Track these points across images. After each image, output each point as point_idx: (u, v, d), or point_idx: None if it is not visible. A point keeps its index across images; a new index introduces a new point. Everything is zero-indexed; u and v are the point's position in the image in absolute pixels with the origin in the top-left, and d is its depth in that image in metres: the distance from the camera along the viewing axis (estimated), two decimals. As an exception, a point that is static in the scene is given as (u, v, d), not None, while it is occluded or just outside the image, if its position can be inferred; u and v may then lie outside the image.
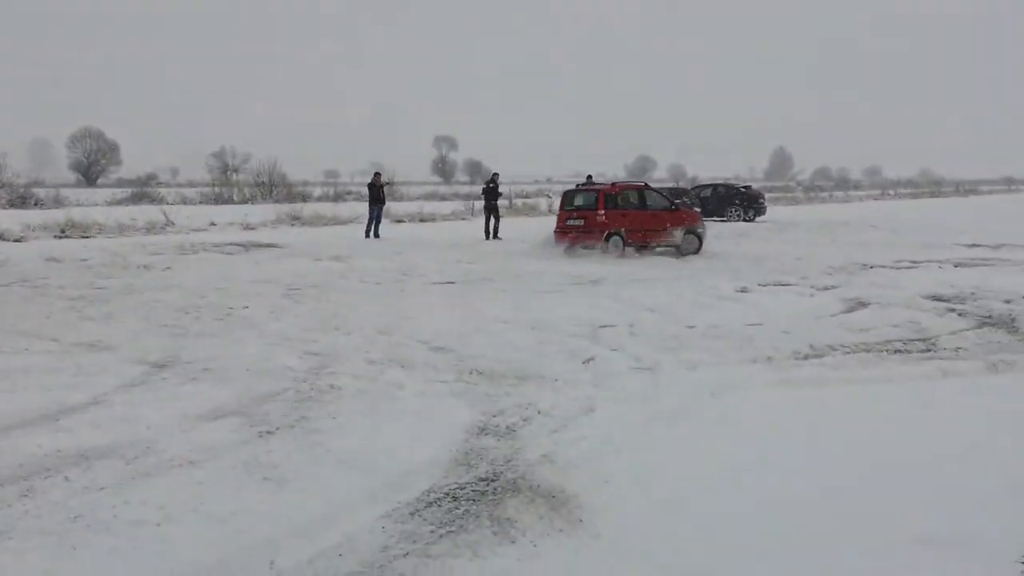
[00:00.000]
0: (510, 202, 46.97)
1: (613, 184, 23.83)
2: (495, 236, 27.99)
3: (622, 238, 21.47)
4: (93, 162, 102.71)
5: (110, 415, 7.04)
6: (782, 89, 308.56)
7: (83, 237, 26.39)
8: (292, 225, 32.71)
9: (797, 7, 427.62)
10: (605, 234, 21.34)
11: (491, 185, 29.06)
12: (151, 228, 29.07)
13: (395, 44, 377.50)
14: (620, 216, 21.87)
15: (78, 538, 4.74)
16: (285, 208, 36.51)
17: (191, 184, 79.76)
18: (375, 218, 27.74)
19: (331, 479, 5.66)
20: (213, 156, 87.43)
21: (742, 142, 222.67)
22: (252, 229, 30.31)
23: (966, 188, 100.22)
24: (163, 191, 57.29)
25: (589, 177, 31.73)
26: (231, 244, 24.12)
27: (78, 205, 37.13)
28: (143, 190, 54.30)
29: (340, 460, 6.03)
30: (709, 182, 47.74)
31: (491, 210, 28.52)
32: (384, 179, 29.63)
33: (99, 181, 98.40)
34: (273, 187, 54.44)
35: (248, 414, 7.17)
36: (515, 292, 14.54)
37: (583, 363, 9.15)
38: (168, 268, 17.94)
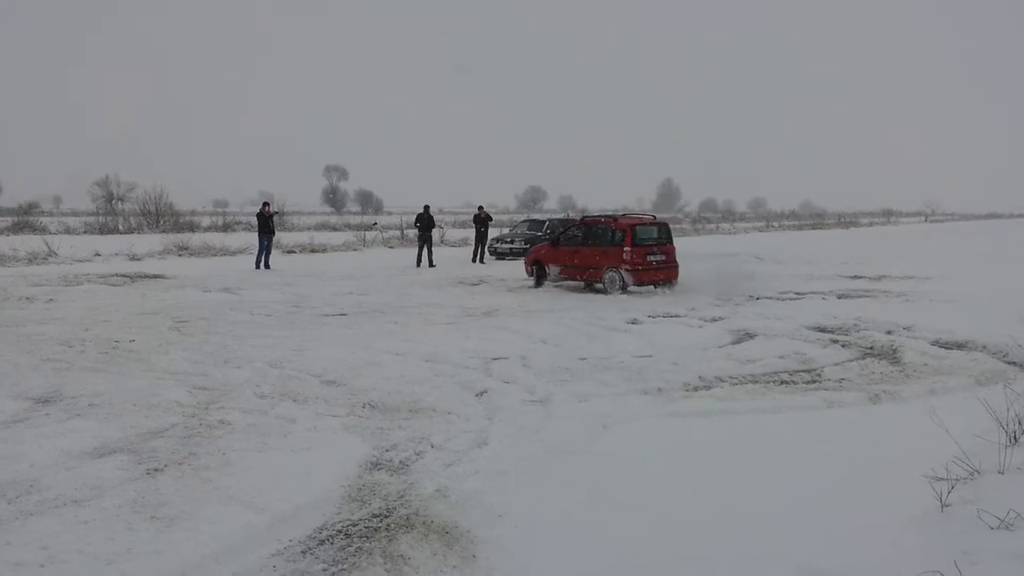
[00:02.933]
0: (402, 233, 46.93)
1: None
2: (430, 264, 29.08)
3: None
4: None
5: (-10, 453, 6.84)
6: (671, 121, 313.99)
7: (-40, 268, 25.52)
8: (180, 256, 32.12)
9: (680, 43, 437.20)
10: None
11: (424, 215, 30.12)
12: (33, 259, 28.28)
13: (285, 73, 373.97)
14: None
15: (-44, 582, 4.61)
16: (173, 238, 35.81)
17: (75, 213, 77.70)
18: (265, 249, 27.48)
19: (221, 517, 5.58)
20: (97, 185, 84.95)
21: (631, 173, 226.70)
22: (138, 260, 29.66)
23: (847, 220, 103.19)
24: (45, 220, 55.84)
25: (480, 208, 32.19)
26: (117, 275, 23.56)
27: (-45, 234, 35.94)
28: (24, 219, 52.76)
29: (230, 497, 5.95)
30: (599, 213, 48.25)
31: (425, 240, 29.57)
32: (273, 209, 29.34)
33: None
34: (160, 217, 53.39)
35: (135, 451, 7.04)
36: (408, 324, 14.53)
37: (476, 396, 9.19)
38: (51, 300, 17.46)
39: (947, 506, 5.60)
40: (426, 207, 30.43)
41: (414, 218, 30.88)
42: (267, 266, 27.18)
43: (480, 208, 32.41)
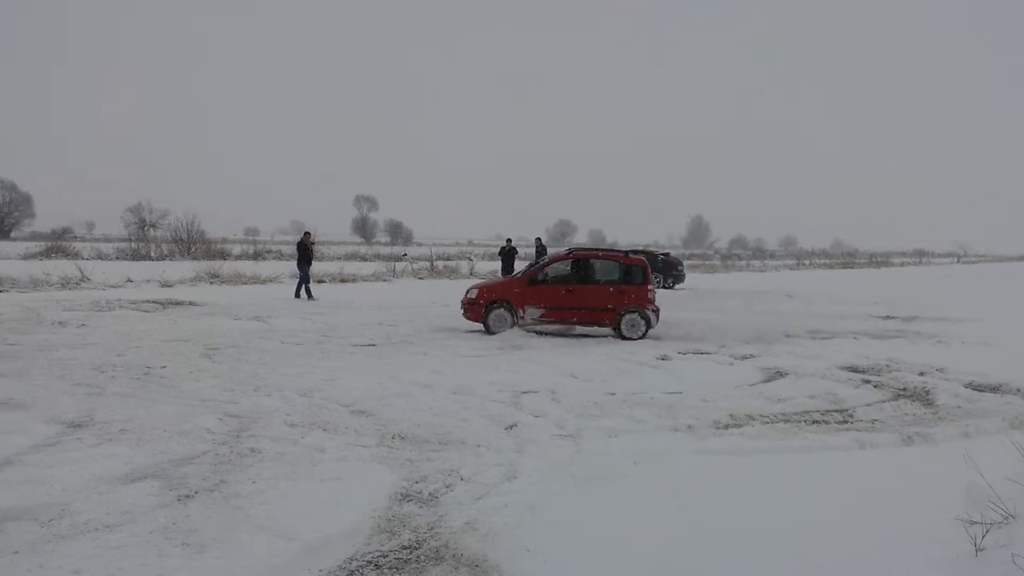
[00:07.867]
0: (431, 264, 47.08)
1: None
2: None
3: None
4: (6, 214, 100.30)
5: (23, 476, 6.89)
6: (702, 159, 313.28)
7: (-6, 291, 25.78)
8: (211, 283, 32.30)
9: (713, 81, 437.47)
10: None
11: (508, 248, 32.63)
12: (66, 283, 28.50)
13: (313, 103, 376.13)
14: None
15: (-11, 604, 4.63)
16: (204, 265, 36.05)
17: (107, 239, 78.33)
18: (305, 278, 27.22)
19: (252, 545, 5.58)
20: (130, 211, 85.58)
21: (662, 209, 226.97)
22: (170, 286, 29.87)
23: (879, 260, 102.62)
24: (78, 246, 56.36)
25: (508, 240, 32.43)
26: (148, 301, 23.74)
27: (-10, 258, 36.34)
28: (58, 244, 53.28)
29: (260, 525, 5.96)
30: (628, 248, 48.24)
31: (509, 270, 31.80)
32: (312, 239, 29.28)
33: (12, 234, 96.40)
34: (192, 244, 53.88)
35: (166, 477, 7.07)
36: (437, 356, 14.53)
37: (506, 429, 9.17)
38: (83, 325, 17.59)
39: (981, 550, 5.54)
40: (508, 240, 33.09)
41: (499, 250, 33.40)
42: (309, 296, 26.96)
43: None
